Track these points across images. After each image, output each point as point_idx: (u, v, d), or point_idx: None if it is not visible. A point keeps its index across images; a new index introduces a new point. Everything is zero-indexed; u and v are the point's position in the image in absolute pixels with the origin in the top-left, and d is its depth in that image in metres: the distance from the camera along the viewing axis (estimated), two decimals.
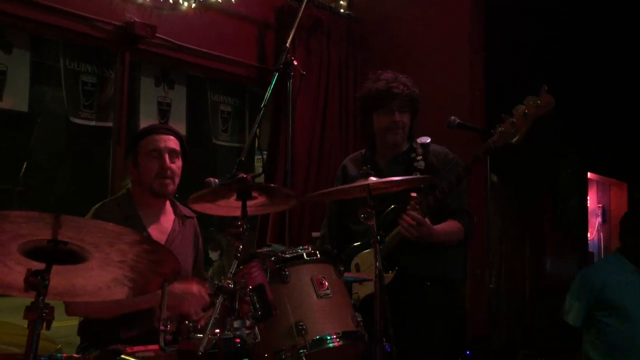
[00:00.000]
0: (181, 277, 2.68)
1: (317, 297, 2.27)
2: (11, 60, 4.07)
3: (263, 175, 4.59)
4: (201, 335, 1.89)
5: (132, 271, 1.82)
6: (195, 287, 2.70)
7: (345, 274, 2.52)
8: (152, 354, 2.27)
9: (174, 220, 2.95)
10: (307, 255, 2.35)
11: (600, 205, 9.37)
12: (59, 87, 4.44)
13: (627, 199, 9.08)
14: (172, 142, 2.86)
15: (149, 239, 1.90)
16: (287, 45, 3.09)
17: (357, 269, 3.11)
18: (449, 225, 3.09)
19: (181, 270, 2.59)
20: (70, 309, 2.61)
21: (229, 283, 1.94)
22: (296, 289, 2.27)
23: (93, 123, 4.49)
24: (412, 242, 2.92)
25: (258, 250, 2.59)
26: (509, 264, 6.12)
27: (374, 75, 3.25)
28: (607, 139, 7.22)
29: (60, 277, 1.76)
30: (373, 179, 2.46)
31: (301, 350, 2.14)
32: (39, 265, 1.68)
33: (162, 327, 2.04)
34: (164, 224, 2.92)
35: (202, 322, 2.15)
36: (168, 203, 2.97)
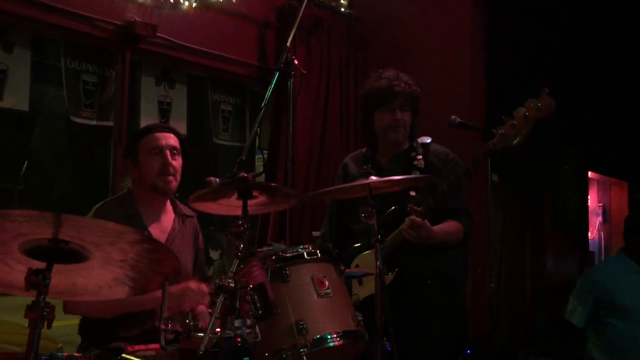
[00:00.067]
0: (181, 277, 2.68)
1: (318, 297, 2.27)
2: (12, 60, 4.07)
3: (264, 175, 4.59)
4: (202, 334, 1.89)
5: (132, 270, 1.83)
6: (193, 284, 2.70)
7: (347, 270, 2.52)
8: (153, 352, 2.27)
9: (174, 220, 2.96)
10: (308, 254, 2.35)
11: (600, 204, 9.37)
12: (59, 86, 4.44)
13: (628, 198, 9.08)
14: (173, 140, 2.88)
15: (149, 238, 1.90)
16: (288, 44, 3.09)
17: None
18: (449, 226, 3.09)
19: (181, 270, 2.60)
20: (68, 308, 2.61)
21: (229, 282, 1.94)
22: (297, 288, 2.27)
23: (94, 122, 4.49)
24: (411, 243, 2.92)
25: (259, 250, 2.59)
26: (510, 263, 6.12)
27: (375, 73, 3.25)
28: (607, 138, 7.22)
29: (61, 276, 1.76)
30: (374, 178, 2.46)
31: (302, 350, 2.14)
32: (40, 264, 1.68)
33: (162, 326, 2.04)
34: (165, 223, 2.93)
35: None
36: (168, 202, 2.98)
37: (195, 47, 4.50)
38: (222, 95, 5.35)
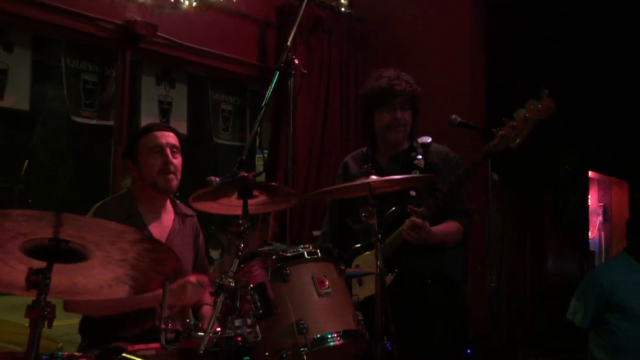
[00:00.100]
0: (182, 276, 2.69)
1: (318, 296, 2.27)
2: (12, 59, 4.07)
3: (264, 174, 4.60)
4: (202, 334, 1.89)
5: (133, 270, 1.83)
6: (192, 277, 2.70)
7: (347, 270, 2.52)
8: (153, 352, 2.27)
9: (174, 219, 2.96)
10: (308, 254, 2.35)
11: (601, 204, 9.37)
12: (60, 85, 4.44)
13: (629, 197, 9.08)
14: (172, 138, 2.88)
15: (150, 238, 1.91)
16: (288, 44, 3.09)
17: None
18: (448, 227, 3.08)
19: (182, 269, 2.60)
20: (69, 306, 2.62)
21: (230, 282, 1.94)
22: (297, 288, 2.27)
23: (94, 122, 4.49)
24: (412, 244, 2.92)
25: (259, 249, 2.59)
26: (510, 262, 6.12)
27: (376, 73, 3.25)
28: (607, 137, 7.22)
29: (62, 276, 1.76)
30: (374, 177, 2.46)
31: (302, 349, 2.14)
32: (41, 264, 1.68)
33: (163, 326, 2.04)
34: (165, 222, 2.93)
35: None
36: (168, 201, 2.98)
37: (195, 46, 4.51)
38: (223, 95, 5.34)
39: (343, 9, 5.29)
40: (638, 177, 8.48)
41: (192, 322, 2.00)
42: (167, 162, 2.82)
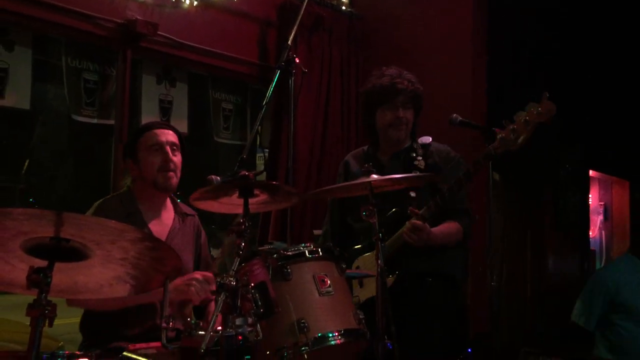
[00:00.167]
0: (181, 275, 2.68)
1: (319, 295, 2.27)
2: (13, 58, 4.07)
3: (265, 173, 4.59)
4: (203, 333, 1.89)
5: (134, 268, 1.83)
6: (198, 274, 2.71)
7: (347, 271, 2.52)
8: (154, 351, 2.27)
9: (174, 218, 2.96)
10: (309, 252, 2.34)
11: (602, 203, 9.36)
12: (60, 84, 4.44)
13: (629, 197, 9.07)
14: (172, 136, 2.88)
15: (151, 236, 1.90)
16: (289, 42, 3.09)
17: None
18: (448, 227, 3.08)
19: (182, 268, 2.59)
20: (70, 301, 2.61)
21: (231, 280, 1.94)
22: (298, 287, 2.27)
23: (95, 121, 4.49)
24: (412, 246, 2.92)
25: (260, 248, 2.59)
26: (511, 262, 6.12)
27: (378, 71, 3.25)
28: (608, 137, 7.22)
29: (63, 275, 1.76)
30: (375, 176, 2.46)
31: (303, 348, 2.14)
32: (42, 263, 1.68)
33: (164, 324, 2.04)
34: (165, 221, 2.93)
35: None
36: (168, 200, 2.98)
37: (196, 45, 4.51)
38: (223, 94, 5.35)
39: (344, 8, 5.29)
40: (639, 176, 8.48)
41: (193, 321, 2.00)
42: (166, 160, 2.82)
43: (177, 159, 2.87)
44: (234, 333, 1.91)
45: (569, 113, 5.32)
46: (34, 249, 1.69)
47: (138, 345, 2.30)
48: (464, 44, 4.94)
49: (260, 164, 5.58)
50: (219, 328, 1.92)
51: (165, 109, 4.84)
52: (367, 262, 3.05)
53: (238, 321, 1.94)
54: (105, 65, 4.48)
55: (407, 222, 2.91)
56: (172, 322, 2.06)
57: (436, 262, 3.07)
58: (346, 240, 3.20)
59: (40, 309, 1.63)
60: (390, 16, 5.33)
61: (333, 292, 2.29)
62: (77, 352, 2.37)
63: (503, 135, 2.79)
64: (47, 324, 1.65)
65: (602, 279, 4.00)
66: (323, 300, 2.27)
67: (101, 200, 2.88)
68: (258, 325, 1.98)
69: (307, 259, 2.34)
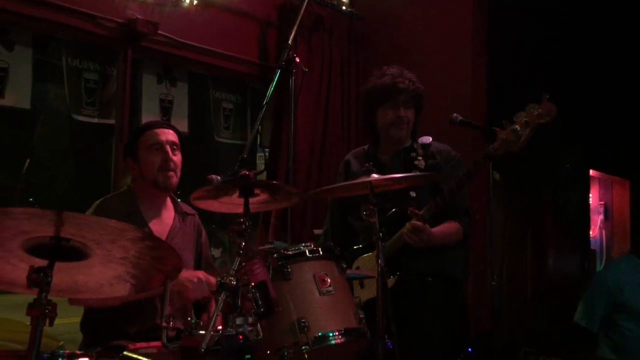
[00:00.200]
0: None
1: (320, 294, 2.27)
2: (13, 58, 4.08)
3: (265, 173, 4.59)
4: (204, 332, 1.90)
5: (134, 268, 1.83)
6: (201, 274, 2.71)
7: (347, 271, 2.52)
8: (154, 350, 2.27)
9: (175, 217, 2.96)
10: (310, 252, 2.35)
11: (602, 202, 9.35)
12: (61, 84, 4.45)
13: (630, 196, 9.07)
14: (172, 136, 2.89)
15: (151, 236, 1.90)
16: (289, 42, 3.09)
17: None
18: (448, 227, 3.08)
19: (182, 267, 2.59)
20: (72, 300, 2.61)
21: (231, 280, 1.94)
22: (298, 286, 2.27)
23: (95, 120, 4.50)
24: (413, 247, 2.92)
25: (260, 248, 2.59)
26: (511, 261, 6.11)
27: (379, 70, 3.24)
28: (609, 136, 7.22)
29: (63, 274, 1.76)
30: (375, 176, 2.46)
31: (303, 347, 2.14)
32: (42, 262, 1.68)
33: (164, 324, 2.04)
34: (165, 220, 2.93)
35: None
36: (169, 200, 2.98)
37: (196, 44, 4.51)
38: (224, 93, 5.35)
39: (344, 8, 5.29)
40: (639, 175, 8.48)
41: (193, 321, 2.00)
42: (166, 159, 2.82)
43: (177, 158, 2.87)
44: (234, 332, 1.91)
45: (569, 113, 5.31)
46: (34, 249, 1.69)
47: (138, 345, 2.31)
48: (464, 44, 4.94)
49: (260, 164, 5.58)
50: (220, 327, 1.92)
51: (166, 109, 4.84)
52: (368, 262, 3.05)
53: (238, 320, 1.94)
54: (106, 65, 4.49)
55: (407, 223, 2.91)
56: (172, 321, 2.06)
57: (436, 262, 3.06)
58: (347, 240, 3.20)
59: (40, 308, 1.64)
60: (391, 16, 5.32)
61: (333, 292, 2.29)
62: (77, 352, 2.38)
63: (503, 136, 2.79)
64: (47, 324, 1.65)
65: (603, 279, 4.01)
66: (323, 300, 2.27)
67: (101, 199, 2.88)
68: (258, 324, 1.98)
69: (308, 259, 2.34)
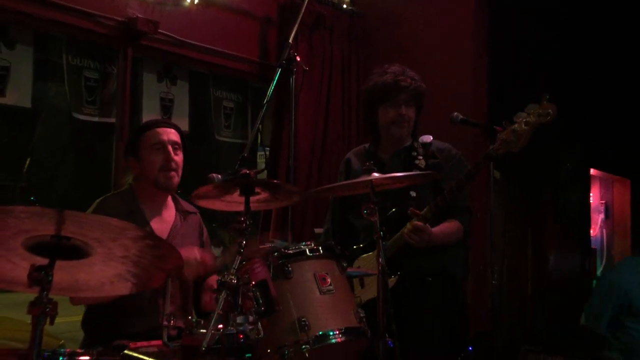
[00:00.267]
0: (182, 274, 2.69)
1: (320, 293, 2.27)
2: (14, 56, 4.08)
3: (266, 171, 4.59)
4: (204, 331, 1.90)
5: (135, 266, 1.83)
6: (198, 252, 2.71)
7: (348, 269, 2.52)
8: (155, 349, 2.27)
9: (176, 216, 2.96)
10: (310, 251, 2.35)
11: (603, 201, 9.36)
12: (61, 83, 4.45)
13: (630, 195, 9.07)
14: (174, 135, 2.88)
15: (152, 235, 1.91)
16: (290, 41, 3.09)
17: None
18: (449, 227, 3.08)
19: (183, 266, 2.60)
20: (74, 300, 2.61)
21: (232, 279, 1.94)
22: (299, 285, 2.27)
23: (96, 119, 4.50)
24: (413, 247, 2.92)
25: (261, 246, 2.59)
26: (511, 260, 6.11)
27: (380, 69, 3.24)
28: (609, 135, 7.22)
29: (64, 273, 1.76)
30: (376, 175, 2.46)
31: (304, 346, 2.14)
32: (43, 261, 1.68)
33: (165, 322, 2.04)
34: (166, 219, 2.93)
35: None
36: (170, 198, 2.98)
37: (197, 43, 4.50)
38: (224, 92, 5.35)
39: (345, 6, 5.28)
40: None
41: (194, 320, 2.00)
42: (168, 159, 2.81)
43: (178, 158, 2.86)
44: (235, 331, 1.91)
45: (569, 113, 5.31)
46: (35, 247, 1.69)
47: (139, 344, 2.31)
48: (464, 44, 4.93)
49: (261, 162, 5.57)
50: (220, 326, 1.92)
51: (166, 107, 4.85)
52: (368, 262, 3.05)
53: (239, 319, 1.94)
54: (106, 64, 4.49)
55: (408, 223, 2.91)
56: (173, 320, 2.06)
57: (437, 261, 3.07)
58: (347, 239, 3.20)
59: (41, 307, 1.64)
60: (391, 15, 5.32)
61: (334, 291, 2.29)
62: (78, 350, 2.38)
63: (503, 136, 2.79)
64: (48, 322, 1.65)
65: (611, 279, 4.02)
66: (324, 299, 2.27)
67: (102, 198, 2.88)
68: (259, 323, 1.98)
69: (308, 258, 2.34)
